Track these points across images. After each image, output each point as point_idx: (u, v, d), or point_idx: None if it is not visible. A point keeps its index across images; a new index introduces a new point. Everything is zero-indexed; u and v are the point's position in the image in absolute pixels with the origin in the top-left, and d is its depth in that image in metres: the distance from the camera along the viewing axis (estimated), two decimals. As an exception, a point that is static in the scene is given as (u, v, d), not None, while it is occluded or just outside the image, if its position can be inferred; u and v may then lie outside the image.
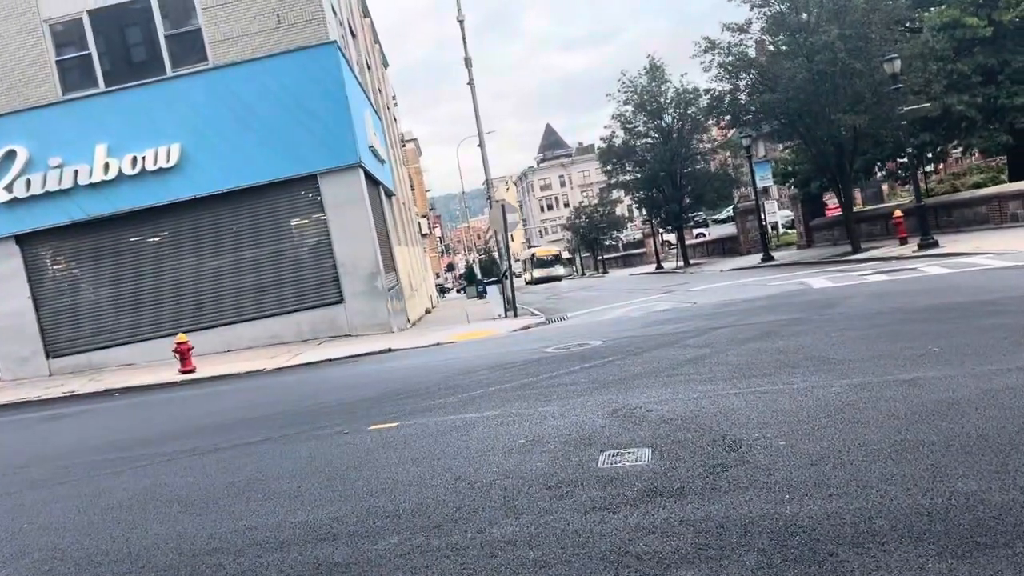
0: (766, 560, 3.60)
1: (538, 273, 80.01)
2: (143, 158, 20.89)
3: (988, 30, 27.18)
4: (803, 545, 3.69)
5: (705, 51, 28.86)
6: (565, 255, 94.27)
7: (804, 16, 26.69)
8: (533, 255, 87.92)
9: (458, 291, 75.40)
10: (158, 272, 21.61)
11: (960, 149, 34.62)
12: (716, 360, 8.57)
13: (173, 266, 21.61)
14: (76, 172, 20.95)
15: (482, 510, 4.74)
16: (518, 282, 67.88)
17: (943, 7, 29.08)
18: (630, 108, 47.86)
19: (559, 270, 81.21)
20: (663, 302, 19.55)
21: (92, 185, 20.97)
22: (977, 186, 31.27)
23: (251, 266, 21.48)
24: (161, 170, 20.90)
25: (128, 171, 20.90)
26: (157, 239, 21.76)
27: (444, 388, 9.33)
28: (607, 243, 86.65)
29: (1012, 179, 30.00)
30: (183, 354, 16.90)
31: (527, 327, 18.53)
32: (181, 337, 17.17)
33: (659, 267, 52.47)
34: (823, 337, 9.13)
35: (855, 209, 30.57)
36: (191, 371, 16.79)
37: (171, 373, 17.16)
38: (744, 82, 29.14)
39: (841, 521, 3.87)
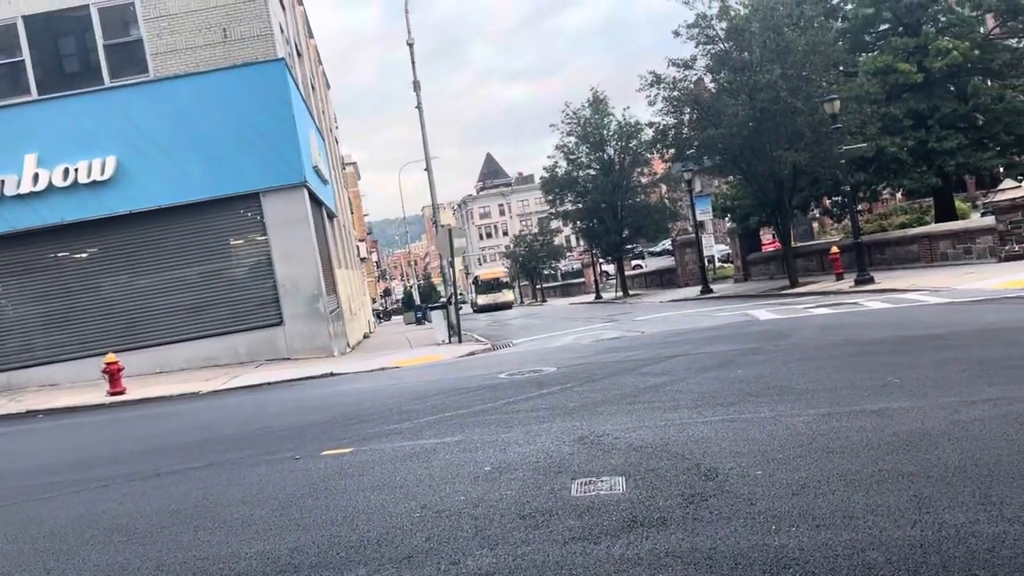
0: (763, 594, 3.45)
1: (483, 300, 68.77)
2: (76, 170, 20.08)
3: (919, 76, 28.28)
4: (799, 578, 3.55)
5: (651, 85, 29.33)
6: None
7: (747, 55, 27.36)
8: (476, 278, 76.07)
9: (382, 317, 74.12)
10: (87, 289, 20.71)
11: (890, 189, 35.82)
12: (677, 388, 8.48)
13: (104, 283, 20.74)
14: (3, 182, 20.02)
15: (453, 540, 4.49)
16: (464, 311, 64.39)
17: (877, 53, 30.20)
18: (573, 139, 48.39)
19: (507, 295, 70.11)
20: (610, 330, 19.53)
21: (19, 196, 20.05)
22: (904, 226, 32.35)
23: (187, 285, 20.75)
24: (95, 183, 20.11)
25: (59, 183, 20.04)
26: (87, 254, 20.88)
27: (398, 413, 9.02)
28: (546, 272, 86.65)
29: (939, 220, 31.14)
30: (112, 375, 16.13)
31: (473, 353, 18.27)
32: (110, 357, 16.40)
33: (598, 297, 52.80)
34: (781, 367, 9.14)
35: (792, 245, 31.22)
36: (121, 392, 16.03)
37: (99, 395, 16.35)
38: (688, 116, 29.67)
39: (834, 553, 3.76)
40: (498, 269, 78.74)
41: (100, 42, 20.53)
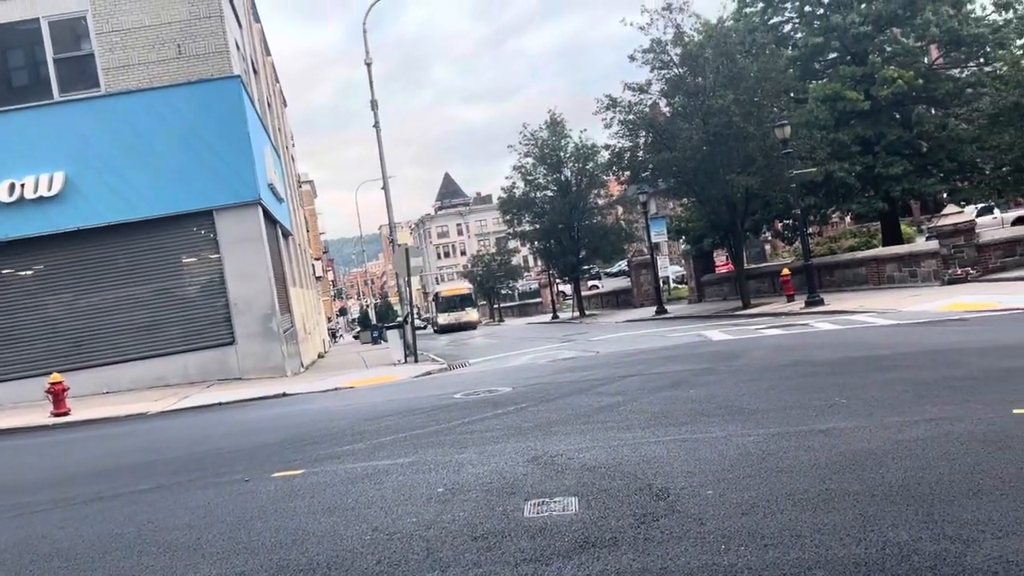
0: (711, 614, 3.47)
1: (444, 319, 61.29)
2: (22, 185, 19.62)
3: (866, 104, 29.09)
4: (747, 597, 3.59)
5: (607, 108, 29.70)
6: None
7: (701, 80, 27.89)
8: (437, 295, 67.75)
9: (354, 336, 72.45)
10: (32, 307, 20.19)
11: (839, 213, 36.68)
12: (631, 408, 8.54)
13: (49, 301, 20.24)
14: (-55, 196, 19.46)
15: (405, 563, 4.44)
16: (424, 332, 60.69)
17: (826, 81, 31.02)
18: (531, 160, 48.67)
19: (471, 314, 61.85)
20: (567, 350, 19.61)
21: (-38, 211, 19.50)
22: (852, 249, 33.11)
23: (137, 304, 20.34)
24: (42, 199, 19.66)
25: (5, 198, 19.58)
26: (32, 272, 20.38)
27: (351, 434, 8.92)
28: (503, 292, 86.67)
29: (886, 243, 31.96)
30: (57, 395, 15.69)
31: (429, 373, 18.19)
32: (55, 377, 15.95)
33: (555, 317, 52.99)
34: (733, 387, 9.25)
35: (744, 267, 31.75)
36: (65, 413, 15.59)
37: (42, 415, 15.87)
38: (643, 140, 30.09)
39: (781, 572, 3.80)
40: (461, 285, 68.93)
41: (50, 56, 20.16)
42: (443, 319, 61.33)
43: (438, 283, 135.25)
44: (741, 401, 8.27)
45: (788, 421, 7.00)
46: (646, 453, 6.35)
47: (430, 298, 75.83)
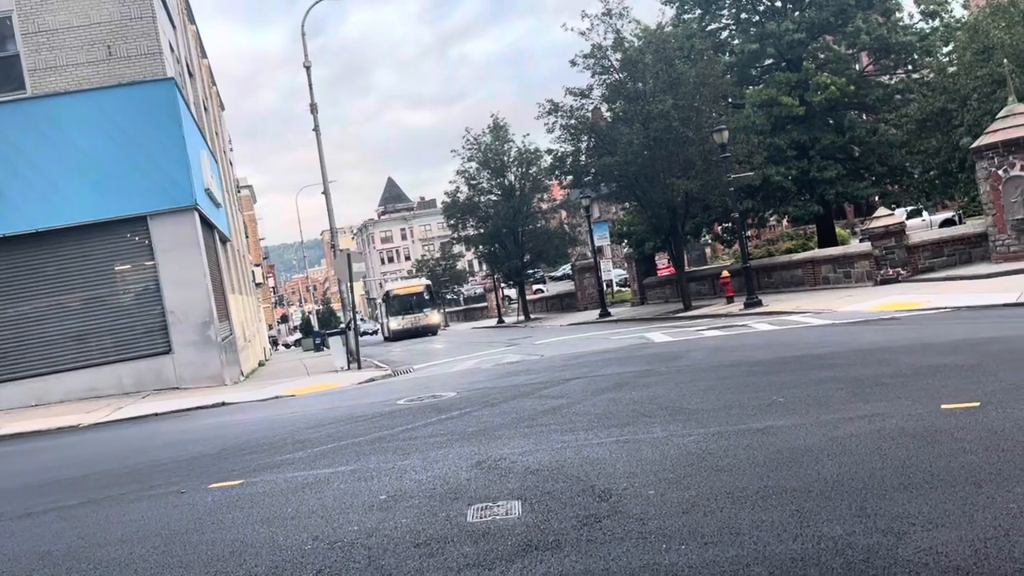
0: (653, 613, 3.49)
1: (397, 323, 51.06)
2: (-56, 190, 18.82)
3: (801, 109, 29.84)
4: (687, 596, 3.62)
5: (549, 112, 29.88)
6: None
7: (641, 85, 28.24)
8: (388, 295, 55.28)
9: (295, 344, 70.65)
10: (-46, 317, 19.36)
11: (777, 216, 37.53)
12: (574, 411, 8.57)
13: (-28, 311, 19.43)
14: None
15: (346, 571, 4.38)
16: (374, 339, 58.41)
17: (762, 86, 31.72)
18: (474, 164, 48.68)
19: (431, 316, 52.09)
20: (511, 354, 19.61)
21: None
22: (789, 251, 33.92)
23: (67, 312, 19.67)
24: (-36, 205, 18.88)
25: (-76, 204, 18.75)
26: (-46, 280, 19.54)
27: (291, 443, 8.77)
28: (449, 297, 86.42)
29: (821, 245, 32.80)
30: (-17, 408, 15.08)
31: (372, 379, 18.01)
32: (-19, 389, 15.34)
33: (500, 321, 53.02)
34: (673, 388, 9.36)
35: (685, 269, 32.24)
36: (-8, 427, 15.00)
37: (-33, 430, 15.24)
38: (585, 144, 30.34)
39: (720, 570, 3.85)
40: (417, 282, 58.14)
41: (-28, 56, 19.40)
42: (396, 323, 50.95)
43: (381, 288, 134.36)
44: (682, 401, 8.37)
45: (727, 420, 7.10)
46: (589, 455, 6.38)
47: (378, 299, 63.43)
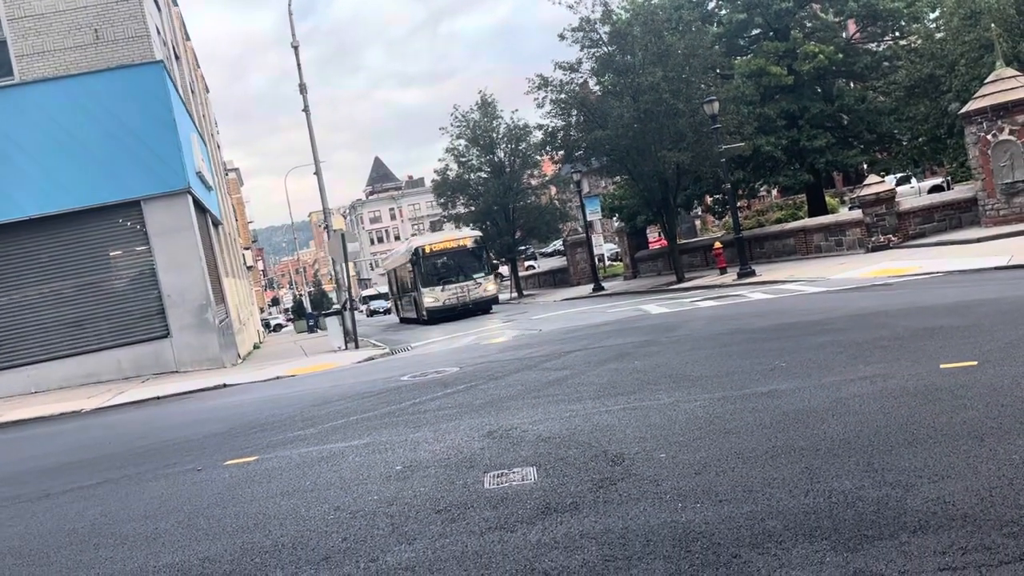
0: (674, 566, 3.63)
1: (436, 297, 34.07)
2: (-66, 179, 18.71)
3: (789, 79, 29.82)
4: (706, 550, 3.76)
5: (539, 87, 29.78)
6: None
7: (630, 58, 28.17)
8: (418, 253, 35.51)
9: (274, 328, 67.49)
10: (-49, 306, 19.32)
11: (767, 187, 37.62)
12: (578, 381, 8.71)
13: (-32, 300, 19.40)
14: None
15: (371, 538, 4.50)
16: (384, 320, 49.76)
17: (751, 56, 31.67)
18: (463, 142, 48.54)
19: (486, 284, 35.12)
20: (509, 330, 19.74)
21: None
22: (780, 221, 34.04)
23: (63, 299, 19.66)
24: (-44, 193, 18.79)
25: (-84, 193, 18.64)
26: (-51, 269, 19.48)
27: (300, 420, 8.88)
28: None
29: (811, 214, 32.92)
30: (-16, 396, 15.13)
31: (371, 358, 18.10)
32: (-19, 377, 15.37)
33: (493, 298, 52.96)
34: (675, 357, 9.51)
35: (677, 242, 32.34)
36: (-6, 415, 15.05)
37: (-31, 418, 15.29)
38: (575, 118, 30.28)
39: (736, 525, 3.99)
40: (462, 234, 38.19)
41: (-42, 43, 19.21)
42: (434, 297, 33.89)
43: (372, 268, 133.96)
44: (685, 369, 8.51)
45: (731, 385, 7.25)
46: (598, 422, 6.51)
47: (399, 264, 41.12)
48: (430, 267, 34.84)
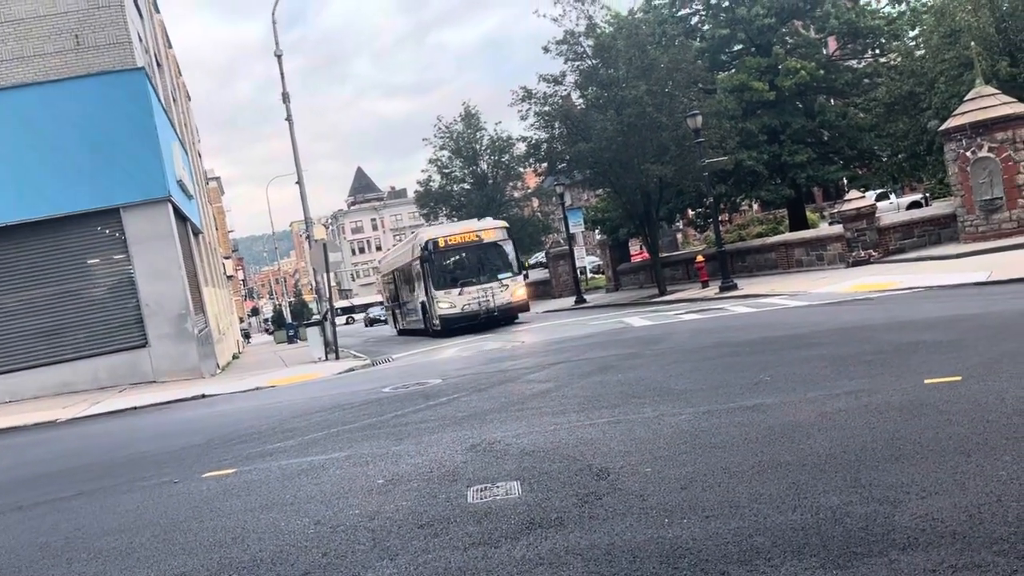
0: (661, 584, 3.57)
1: (452, 303, 26.69)
2: (-91, 185, 18.41)
3: (771, 94, 30.07)
4: (694, 566, 3.71)
5: (523, 100, 29.81)
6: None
7: (613, 71, 28.28)
8: (429, 248, 27.34)
9: (244, 336, 65.23)
10: (-77, 314, 18.98)
11: (748, 201, 37.88)
12: (562, 394, 8.65)
13: (-58, 307, 19.06)
14: None
15: (352, 553, 4.42)
16: (382, 332, 41.89)
17: (733, 71, 31.92)
18: (446, 153, 48.59)
19: (514, 288, 27.51)
20: (491, 342, 19.65)
21: None
22: (761, 235, 34.23)
23: (39, 307, 19.36)
24: (-69, 199, 18.49)
25: None
26: (-80, 276, 19.15)
27: (280, 432, 8.76)
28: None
29: (792, 229, 33.14)
30: (-44, 406, 14.84)
31: (352, 369, 17.97)
32: (-46, 386, 15.09)
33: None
34: (659, 370, 9.47)
35: (659, 255, 32.42)
36: (-34, 425, 14.76)
37: (-60, 428, 14.98)
38: (559, 131, 30.33)
39: (724, 541, 3.94)
40: (484, 224, 29.46)
41: (-65, 47, 18.96)
42: (450, 303, 26.93)
43: (354, 279, 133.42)
44: (669, 382, 8.48)
45: (716, 399, 7.21)
46: (583, 435, 6.45)
47: (402, 264, 33.58)
48: (445, 265, 27.90)
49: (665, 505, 4.55)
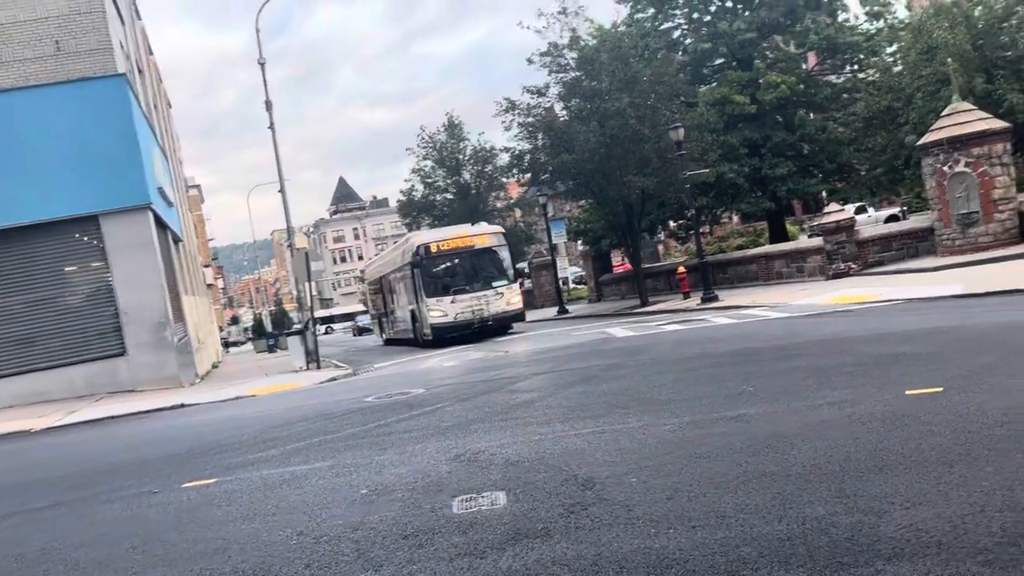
0: (649, 595, 3.56)
1: (444, 312, 25.63)
2: None
3: (752, 108, 30.32)
4: (681, 577, 3.69)
5: (506, 111, 29.90)
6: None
7: (597, 84, 28.42)
8: (421, 252, 26.46)
9: (226, 345, 64.62)
10: None
11: (729, 213, 38.13)
12: (546, 404, 8.63)
13: (-86, 314, 18.76)
14: None
15: (336, 564, 4.37)
16: (366, 342, 42.32)
17: (715, 85, 32.17)
18: (430, 163, 48.53)
19: (508, 295, 26.64)
20: (474, 351, 19.61)
21: None
22: (741, 247, 34.46)
23: (14, 315, 19.11)
24: (-94, 204, 18.22)
25: None
26: None
27: (261, 441, 8.67)
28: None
29: (772, 241, 33.39)
30: (-71, 414, 14.58)
31: (334, 379, 17.85)
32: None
33: (456, 320, 52.63)
34: (642, 380, 9.49)
35: (641, 266, 32.55)
36: (-61, 434, 14.49)
37: (-88, 437, 14.71)
38: (542, 142, 30.42)
39: (711, 551, 3.93)
40: (479, 229, 28.66)
41: (-88, 51, 18.73)
42: (442, 311, 25.90)
43: (335, 288, 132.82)
44: (653, 393, 8.49)
45: (700, 410, 7.23)
46: (567, 445, 6.44)
47: (391, 270, 32.27)
48: (437, 271, 26.89)
49: (651, 515, 4.54)
